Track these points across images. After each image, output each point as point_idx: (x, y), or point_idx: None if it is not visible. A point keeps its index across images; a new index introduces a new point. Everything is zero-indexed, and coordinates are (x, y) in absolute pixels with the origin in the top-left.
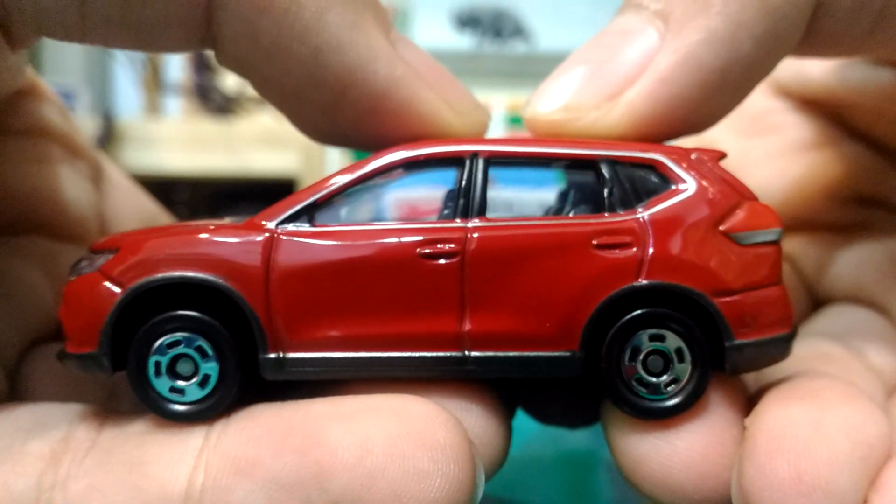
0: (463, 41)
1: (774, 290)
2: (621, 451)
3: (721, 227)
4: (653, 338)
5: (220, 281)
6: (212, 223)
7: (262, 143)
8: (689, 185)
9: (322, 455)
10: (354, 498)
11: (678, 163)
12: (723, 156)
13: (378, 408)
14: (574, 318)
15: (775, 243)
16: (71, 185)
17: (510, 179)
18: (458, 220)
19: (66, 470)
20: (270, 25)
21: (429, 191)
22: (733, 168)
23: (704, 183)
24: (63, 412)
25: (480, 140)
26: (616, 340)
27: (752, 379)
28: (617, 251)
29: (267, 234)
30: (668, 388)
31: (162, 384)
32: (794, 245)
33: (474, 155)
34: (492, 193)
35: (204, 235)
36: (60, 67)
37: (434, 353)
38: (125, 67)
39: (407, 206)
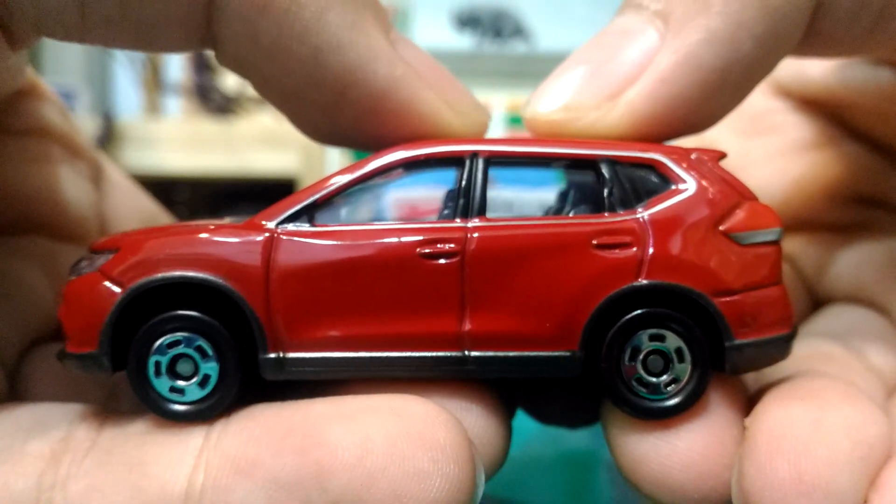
0: (463, 41)
1: (774, 290)
2: (621, 451)
3: (721, 227)
4: (653, 338)
5: (220, 281)
6: (212, 223)
7: (262, 143)
8: (689, 185)
9: (322, 455)
10: (354, 498)
11: (678, 163)
12: (723, 156)
13: (378, 408)
14: (574, 318)
15: (775, 243)
16: (71, 185)
17: (510, 179)
18: (458, 220)
19: (66, 470)
20: (270, 25)
21: (429, 191)
22: (733, 168)
23: (704, 183)
24: (63, 412)
25: (480, 140)
26: (616, 340)
27: (752, 379)
28: (617, 251)
29: (267, 234)
30: (668, 388)
31: (162, 384)
32: (794, 245)
33: (474, 155)
34: (492, 193)
35: (204, 235)
36: (60, 67)
37: (434, 353)
38: (125, 67)
39: (407, 205)
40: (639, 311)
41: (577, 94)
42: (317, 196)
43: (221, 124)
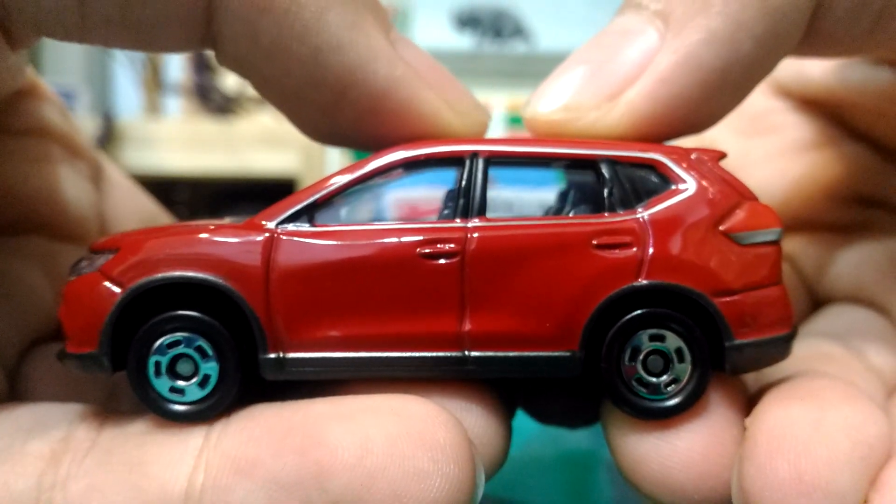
0: (463, 41)
1: (774, 290)
2: (621, 451)
3: (721, 227)
4: (653, 338)
5: (220, 281)
6: (212, 223)
7: (262, 143)
8: (689, 185)
9: (322, 455)
10: (354, 498)
11: (678, 163)
12: (723, 156)
13: (378, 408)
14: (574, 318)
15: (775, 243)
16: (71, 185)
17: (510, 179)
18: (458, 220)
19: (66, 470)
20: (270, 25)
21: (429, 191)
22: (733, 168)
23: (704, 183)
24: (63, 412)
25: (480, 140)
26: (616, 340)
27: (752, 379)
28: (617, 251)
29: (267, 234)
30: (668, 388)
31: (162, 384)
32: (794, 245)
33: (474, 155)
34: (492, 193)
35: (204, 235)
36: (60, 67)
37: (434, 353)
38: (125, 67)
39: (407, 205)
40: (639, 312)
41: (577, 94)
42: (317, 196)
43: (221, 124)
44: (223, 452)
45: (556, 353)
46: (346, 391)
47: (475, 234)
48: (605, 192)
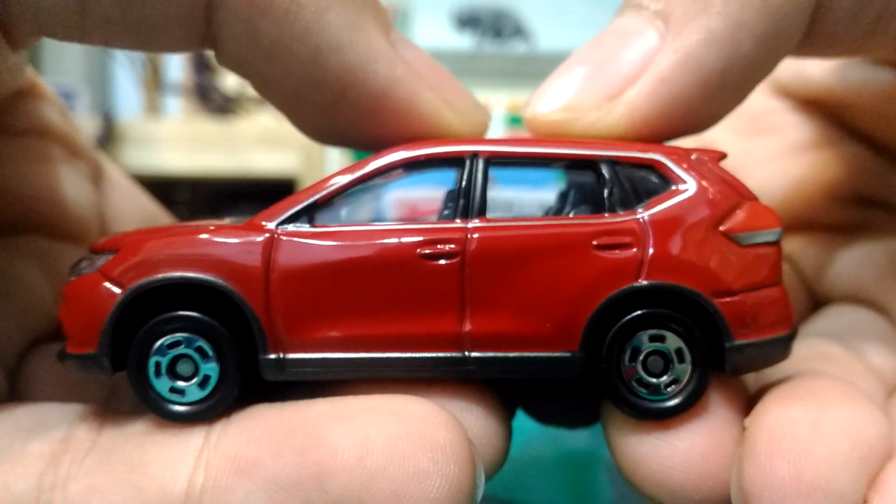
0: (463, 41)
1: (774, 291)
2: (621, 452)
3: (721, 228)
4: (653, 338)
5: (220, 281)
6: (212, 223)
7: (262, 143)
8: (689, 186)
9: (322, 455)
10: (354, 498)
11: (678, 163)
12: (723, 156)
13: (378, 408)
14: (574, 319)
15: (775, 244)
16: (71, 185)
17: (510, 180)
18: (458, 221)
19: (66, 470)
20: (270, 26)
21: (429, 191)
22: (733, 168)
23: (704, 183)
24: (63, 412)
25: (480, 140)
26: (616, 341)
27: (752, 379)
28: (617, 251)
29: (267, 235)
30: (669, 389)
31: (162, 385)
32: (794, 245)
33: (474, 155)
34: (492, 194)
35: (204, 236)
36: (60, 67)
37: (434, 354)
38: (125, 67)
39: (407, 206)
40: (639, 312)
41: (578, 94)
42: (317, 196)
43: (221, 124)
44: (223, 453)
45: (557, 354)
46: (347, 392)
47: (475, 235)
48: (606, 192)
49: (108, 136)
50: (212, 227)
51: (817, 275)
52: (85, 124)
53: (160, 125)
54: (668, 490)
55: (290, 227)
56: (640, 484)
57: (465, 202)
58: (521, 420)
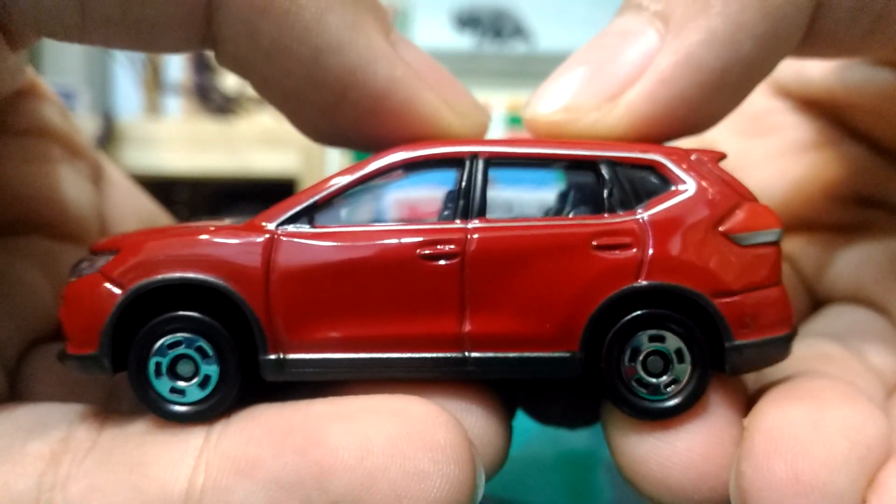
0: (463, 41)
1: (774, 291)
2: (621, 452)
3: (721, 228)
4: (652, 338)
5: (221, 282)
6: (212, 224)
7: (262, 143)
8: (688, 186)
9: (322, 455)
10: (355, 498)
11: (678, 164)
12: (722, 156)
13: (378, 408)
14: (574, 319)
15: (775, 244)
16: (71, 185)
17: (510, 180)
18: (458, 221)
19: (66, 470)
20: (270, 26)
21: (429, 192)
22: (733, 168)
23: (704, 184)
24: (63, 412)
25: (480, 141)
26: (616, 341)
27: (752, 379)
28: (617, 252)
29: (267, 236)
30: (668, 389)
31: (162, 385)
32: (794, 245)
33: (474, 156)
34: (492, 194)
35: (204, 237)
36: (60, 67)
37: (434, 354)
38: (125, 67)
39: (407, 206)
40: (639, 312)
41: (577, 94)
42: (317, 197)
43: (221, 124)
44: (223, 453)
45: (557, 354)
46: (347, 392)
47: (475, 235)
48: (605, 192)
49: (108, 136)
50: (212, 228)
51: (817, 275)
52: (85, 124)
53: (160, 125)
54: (668, 490)
55: (291, 228)
56: (640, 484)
57: (464, 203)
58: (521, 420)
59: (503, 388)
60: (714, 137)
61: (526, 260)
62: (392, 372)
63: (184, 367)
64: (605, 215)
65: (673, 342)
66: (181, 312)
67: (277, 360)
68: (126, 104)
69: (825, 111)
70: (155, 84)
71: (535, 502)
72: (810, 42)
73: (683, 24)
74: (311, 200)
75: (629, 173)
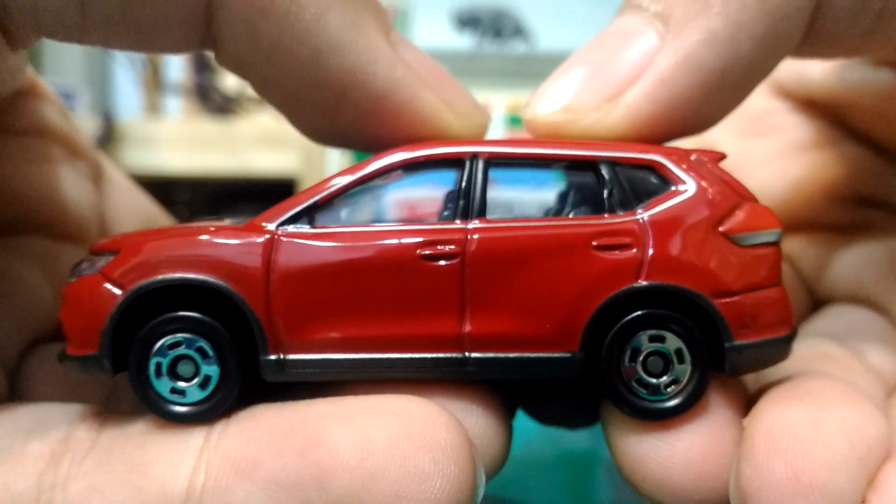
0: (463, 41)
1: (774, 291)
2: (621, 452)
3: (721, 228)
4: (653, 339)
5: (221, 282)
6: (212, 225)
7: (262, 143)
8: (688, 187)
9: (322, 456)
10: (355, 499)
11: (678, 164)
12: (722, 157)
13: (378, 408)
14: (574, 319)
15: (775, 244)
16: (71, 185)
17: (510, 180)
18: (458, 222)
19: (66, 470)
20: (270, 26)
21: (429, 192)
22: (733, 169)
23: (704, 184)
24: (63, 412)
25: (480, 141)
26: (616, 341)
27: (751, 379)
28: (617, 252)
29: (267, 236)
30: (668, 389)
31: (163, 385)
32: (794, 245)
33: (474, 156)
34: (492, 194)
35: (204, 237)
36: (60, 67)
37: (434, 355)
38: (125, 67)
39: (407, 207)
40: (639, 313)
41: (577, 95)
42: (317, 198)
43: (221, 124)
44: (223, 453)
45: (557, 354)
46: (347, 392)
47: (475, 236)
48: (605, 193)
49: (108, 136)
50: (212, 229)
51: (817, 275)
52: (85, 124)
53: (160, 125)
54: (668, 490)
55: (291, 228)
56: (640, 484)
57: (464, 203)
58: (521, 420)
59: (503, 389)
60: (714, 137)
61: (526, 260)
62: (392, 372)
63: (184, 368)
64: (605, 215)
65: (673, 342)
66: (181, 313)
67: (277, 361)
68: (126, 104)
69: (825, 111)
70: (155, 84)
71: (535, 502)
72: (810, 42)
73: (683, 24)
74: (311, 201)
75: (629, 173)
